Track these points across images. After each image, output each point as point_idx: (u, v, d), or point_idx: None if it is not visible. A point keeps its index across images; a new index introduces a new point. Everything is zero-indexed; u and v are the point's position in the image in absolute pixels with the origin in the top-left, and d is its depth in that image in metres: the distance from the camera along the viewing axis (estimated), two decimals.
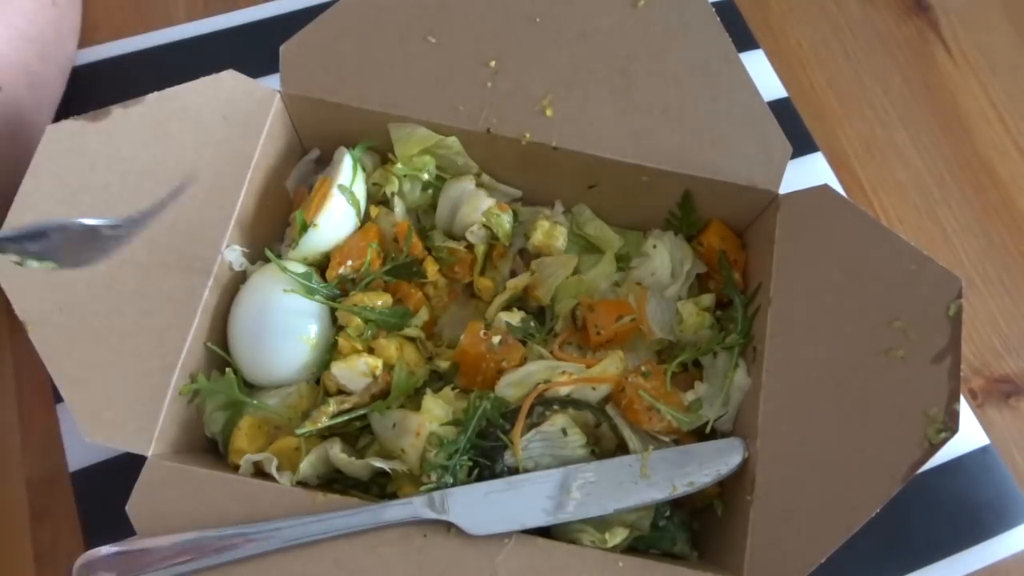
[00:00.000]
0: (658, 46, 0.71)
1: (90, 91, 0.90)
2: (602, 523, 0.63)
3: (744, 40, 0.97)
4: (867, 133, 0.95)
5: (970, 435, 0.80)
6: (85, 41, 0.93)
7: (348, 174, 0.72)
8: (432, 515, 0.58)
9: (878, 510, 0.55)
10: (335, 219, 0.71)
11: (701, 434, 0.69)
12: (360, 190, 0.73)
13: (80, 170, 0.64)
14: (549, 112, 0.70)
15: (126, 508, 0.57)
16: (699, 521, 0.69)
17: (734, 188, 0.70)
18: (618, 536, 0.62)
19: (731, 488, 0.66)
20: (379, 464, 0.63)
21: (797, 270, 0.67)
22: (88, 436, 0.58)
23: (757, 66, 0.96)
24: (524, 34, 0.71)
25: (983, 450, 0.79)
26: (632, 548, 0.65)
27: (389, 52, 0.70)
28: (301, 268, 0.69)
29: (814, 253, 0.66)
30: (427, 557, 0.57)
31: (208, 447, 0.69)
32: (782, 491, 0.60)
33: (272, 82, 0.70)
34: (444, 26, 0.71)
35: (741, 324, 0.70)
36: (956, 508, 0.76)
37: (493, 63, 0.70)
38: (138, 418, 0.60)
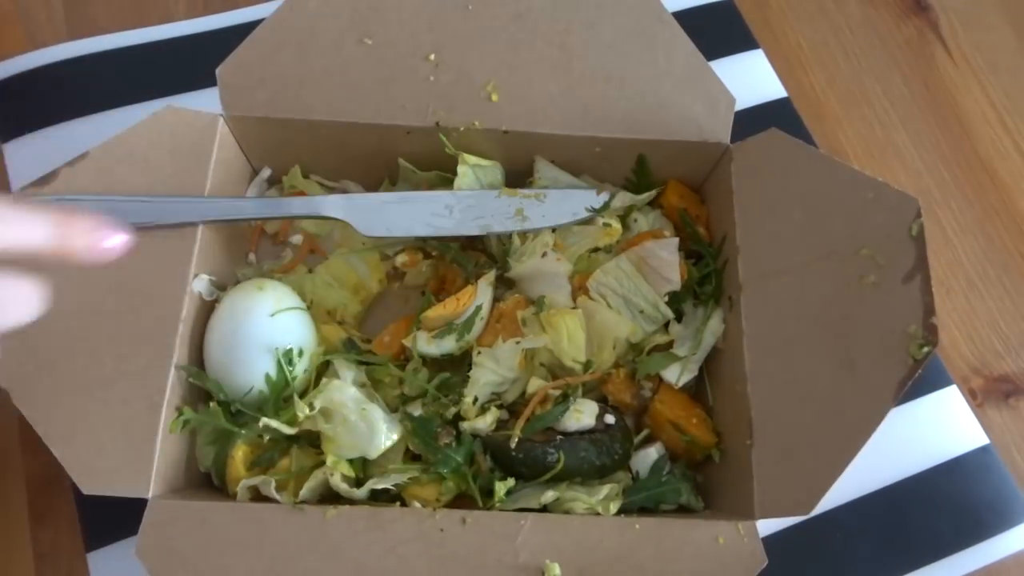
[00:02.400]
0: (591, 16, 0.71)
1: (87, 82, 0.89)
2: (590, 489, 0.65)
3: (744, 40, 0.96)
4: (867, 133, 0.95)
5: (970, 435, 0.79)
6: (82, 33, 0.92)
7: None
8: (329, 213, 0.69)
9: (875, 431, 0.56)
10: None
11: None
12: None
13: None
14: (495, 97, 0.70)
15: (135, 553, 0.56)
16: (702, 474, 0.70)
17: (685, 145, 0.71)
18: (603, 491, 0.64)
19: (728, 436, 0.67)
20: (381, 486, 0.63)
21: (759, 216, 0.68)
22: (84, 488, 0.57)
23: (757, 66, 0.95)
24: (459, 23, 0.71)
25: (983, 450, 0.79)
26: (644, 509, 0.66)
27: (327, 60, 0.70)
28: (283, 287, 0.69)
29: (773, 196, 0.67)
30: (447, 550, 0.57)
31: (206, 482, 0.68)
32: (780, 430, 0.61)
33: None
34: (378, 26, 0.70)
35: (713, 277, 0.71)
36: (956, 508, 0.76)
37: (432, 56, 0.70)
38: (133, 462, 0.59)
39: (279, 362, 0.65)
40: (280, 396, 0.66)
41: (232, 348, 0.65)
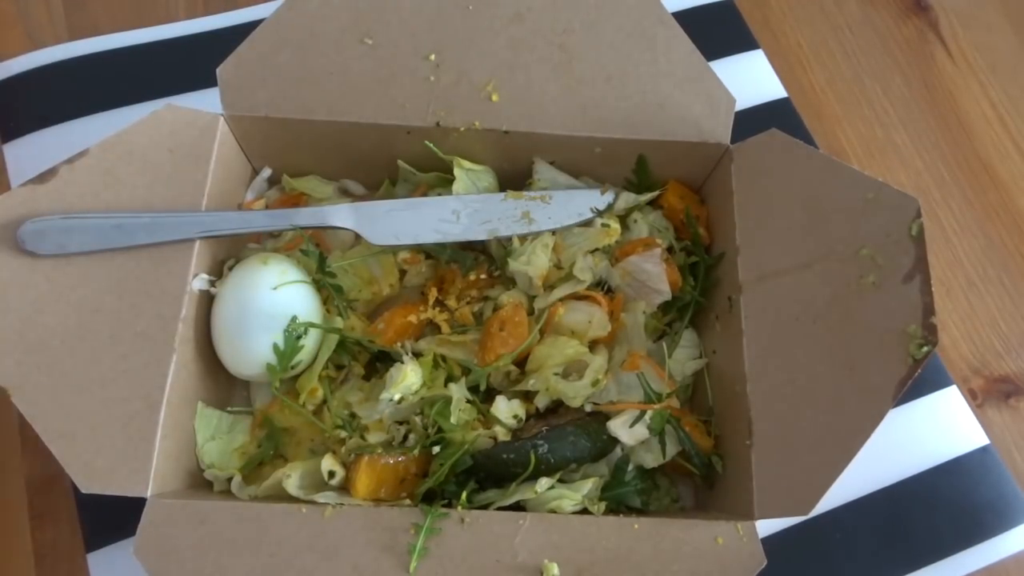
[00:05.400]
0: (592, 17, 0.71)
1: (87, 82, 0.89)
2: (573, 484, 0.65)
3: (744, 40, 0.96)
4: (867, 133, 0.95)
5: (970, 435, 0.79)
6: (82, 33, 0.92)
7: None
8: (337, 223, 0.69)
9: (875, 431, 0.56)
10: None
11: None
12: None
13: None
14: (495, 97, 0.70)
15: (133, 552, 0.56)
16: (700, 476, 0.70)
17: (686, 146, 0.71)
18: (586, 486, 0.64)
19: (728, 436, 0.67)
20: (323, 500, 0.62)
21: (759, 216, 0.68)
22: (83, 487, 0.57)
23: (757, 66, 0.95)
24: (459, 23, 0.71)
25: (983, 450, 0.79)
26: (639, 510, 0.66)
27: (327, 60, 0.70)
28: (287, 261, 0.70)
29: (773, 197, 0.67)
30: (445, 550, 0.57)
31: (204, 482, 0.68)
32: (779, 430, 0.61)
33: None
34: (379, 26, 0.70)
35: (700, 282, 0.72)
36: (956, 508, 0.76)
37: (433, 56, 0.70)
38: (131, 461, 0.59)
39: (286, 332, 0.66)
40: (288, 366, 0.67)
41: (238, 321, 0.66)
